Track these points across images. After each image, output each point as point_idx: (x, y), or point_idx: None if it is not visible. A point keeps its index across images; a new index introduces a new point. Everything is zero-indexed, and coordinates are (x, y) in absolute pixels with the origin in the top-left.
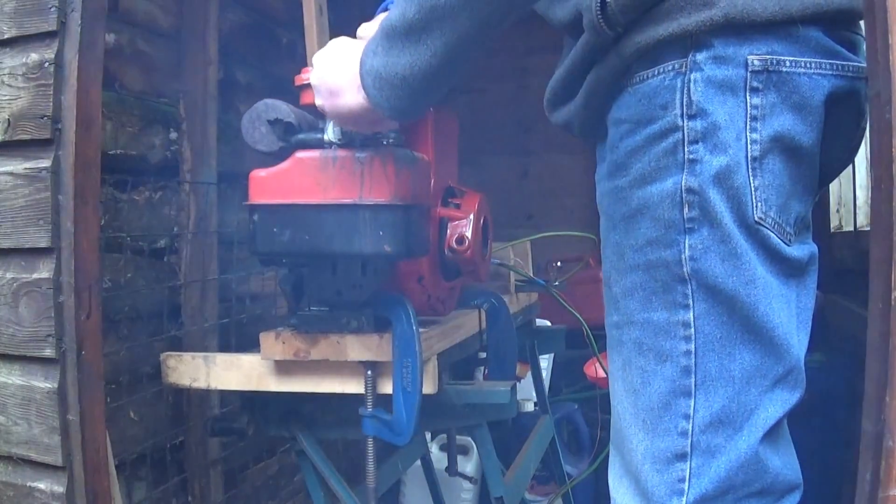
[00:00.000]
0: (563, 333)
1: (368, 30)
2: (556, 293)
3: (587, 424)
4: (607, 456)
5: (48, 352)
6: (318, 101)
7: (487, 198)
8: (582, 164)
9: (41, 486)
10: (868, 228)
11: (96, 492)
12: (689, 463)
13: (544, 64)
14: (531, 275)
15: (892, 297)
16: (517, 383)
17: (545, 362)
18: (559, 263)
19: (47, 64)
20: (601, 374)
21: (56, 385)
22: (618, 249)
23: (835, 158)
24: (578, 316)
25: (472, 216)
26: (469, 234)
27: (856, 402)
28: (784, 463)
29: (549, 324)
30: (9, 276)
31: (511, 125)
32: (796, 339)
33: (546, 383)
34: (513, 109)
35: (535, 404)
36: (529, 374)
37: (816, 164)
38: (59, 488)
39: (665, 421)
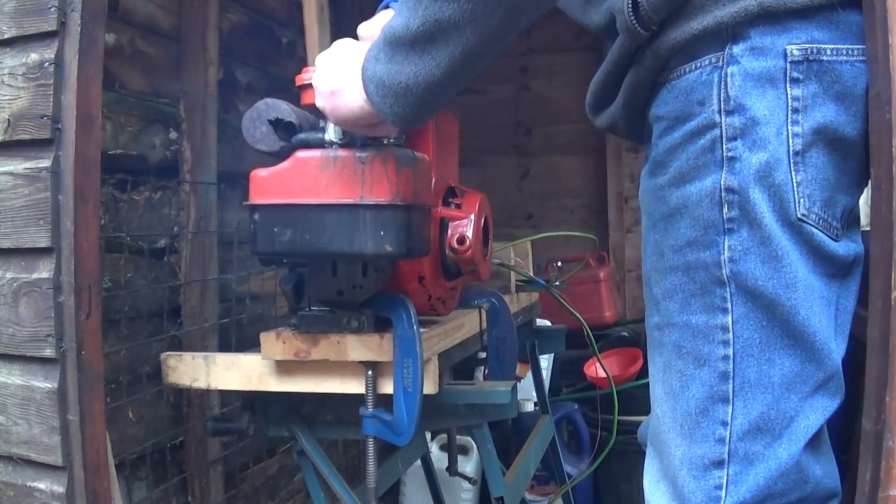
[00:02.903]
0: (563, 333)
1: (369, 29)
2: (556, 293)
3: (587, 424)
4: (607, 456)
5: (48, 352)
6: (319, 102)
7: (488, 198)
8: (582, 165)
9: (41, 486)
10: (868, 228)
11: (96, 492)
12: (726, 470)
13: (544, 64)
14: (531, 275)
15: (893, 296)
16: (517, 383)
17: (545, 362)
18: (559, 263)
19: (47, 64)
20: (601, 374)
21: (56, 385)
22: (657, 249)
23: None
24: (578, 316)
25: (472, 216)
26: (470, 233)
27: (856, 402)
28: (824, 471)
29: (549, 324)
30: (9, 276)
31: (511, 125)
32: (835, 344)
33: (546, 383)
34: (513, 109)
35: (535, 404)
36: (529, 374)
37: (862, 156)
38: (59, 488)
39: (703, 427)
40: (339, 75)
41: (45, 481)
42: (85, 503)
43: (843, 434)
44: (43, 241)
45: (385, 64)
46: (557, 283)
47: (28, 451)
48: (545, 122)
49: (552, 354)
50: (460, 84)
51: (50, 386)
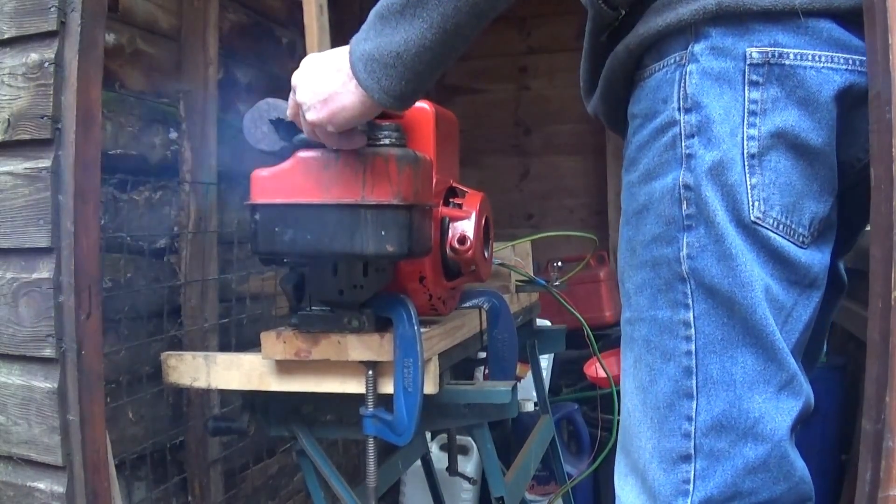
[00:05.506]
0: (563, 333)
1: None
2: (556, 293)
3: (587, 424)
4: (607, 456)
5: (48, 352)
6: (312, 117)
7: (488, 198)
8: (582, 165)
9: (41, 486)
10: (868, 228)
11: (96, 492)
12: (693, 465)
13: (544, 64)
14: (531, 275)
15: (893, 296)
16: (517, 383)
17: (545, 362)
18: (559, 263)
19: (47, 64)
20: (601, 374)
21: (56, 385)
22: (630, 245)
23: (854, 159)
24: (578, 316)
25: (473, 216)
26: (471, 233)
27: (856, 402)
28: (802, 476)
29: (549, 324)
30: (9, 276)
31: (511, 125)
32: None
33: (546, 383)
34: (513, 109)
35: (535, 404)
36: (529, 374)
37: (833, 163)
38: (59, 488)
39: (670, 421)
40: (325, 80)
41: (45, 481)
42: (85, 503)
43: (842, 434)
44: (43, 241)
45: (374, 39)
46: (557, 283)
47: (28, 451)
48: (545, 122)
49: (552, 354)
50: (450, 51)
51: (50, 386)
